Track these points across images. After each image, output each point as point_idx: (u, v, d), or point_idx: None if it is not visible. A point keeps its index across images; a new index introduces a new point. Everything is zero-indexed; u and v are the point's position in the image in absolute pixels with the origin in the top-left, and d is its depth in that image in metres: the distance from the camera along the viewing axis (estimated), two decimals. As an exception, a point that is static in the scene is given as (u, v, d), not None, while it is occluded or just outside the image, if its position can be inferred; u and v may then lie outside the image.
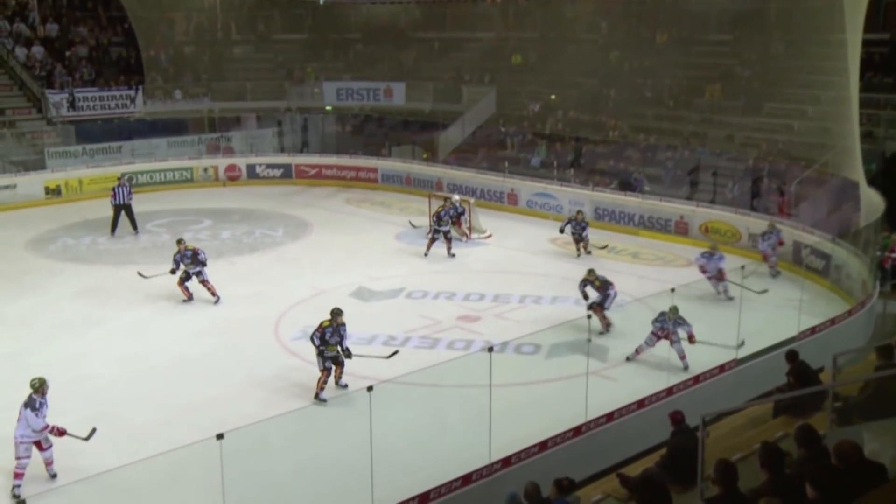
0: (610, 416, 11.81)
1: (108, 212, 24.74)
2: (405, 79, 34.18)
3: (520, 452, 10.92)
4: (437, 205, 23.35)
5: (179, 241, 18.20)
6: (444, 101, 33.14)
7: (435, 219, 21.50)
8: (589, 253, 21.11)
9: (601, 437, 11.52)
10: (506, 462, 10.75)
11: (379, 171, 30.46)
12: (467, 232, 23.02)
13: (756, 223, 21.22)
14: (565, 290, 18.47)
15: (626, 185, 25.14)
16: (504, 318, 16.98)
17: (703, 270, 17.78)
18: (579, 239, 21.24)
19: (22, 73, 32.10)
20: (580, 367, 12.60)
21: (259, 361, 14.97)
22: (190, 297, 17.93)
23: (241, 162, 31.40)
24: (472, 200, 23.96)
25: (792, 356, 11.37)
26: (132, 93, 32.81)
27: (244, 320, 17.04)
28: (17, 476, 10.98)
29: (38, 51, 32.96)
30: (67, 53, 33.56)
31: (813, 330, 14.42)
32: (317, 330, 13.23)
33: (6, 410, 13.22)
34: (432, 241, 21.38)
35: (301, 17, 37.97)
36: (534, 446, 10.99)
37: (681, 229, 22.75)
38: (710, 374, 13.18)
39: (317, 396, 13.12)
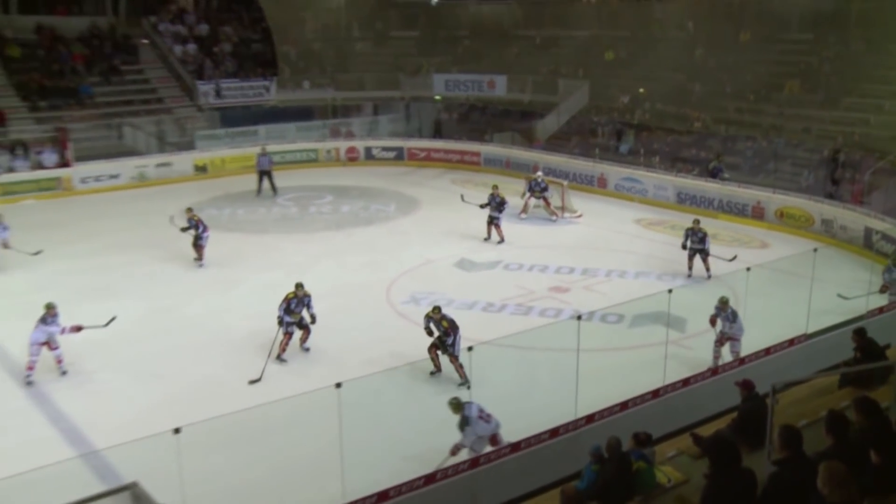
0: (686, 382, 11.64)
1: (246, 187, 25.59)
2: (507, 72, 33.97)
3: (602, 411, 10.86)
4: (523, 186, 23.32)
5: (189, 209, 19.10)
6: (541, 93, 32.83)
7: (493, 202, 20.37)
8: (709, 277, 17.02)
9: (677, 400, 11.36)
10: (589, 419, 10.72)
11: (481, 154, 30.45)
12: (557, 211, 22.86)
13: (829, 210, 20.46)
14: (649, 266, 18.25)
15: (707, 172, 24.54)
16: (591, 290, 16.92)
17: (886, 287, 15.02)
18: (698, 252, 17.27)
19: (178, 67, 33.28)
20: (660, 336, 12.49)
21: (373, 322, 15.27)
22: (201, 258, 18.80)
23: (360, 145, 31.81)
24: (565, 183, 23.76)
25: (860, 333, 10.98)
26: (267, 83, 33.59)
27: (360, 285, 17.37)
28: (29, 368, 12.83)
29: (191, 48, 34.05)
30: (215, 49, 34.56)
31: (881, 310, 13.87)
32: (283, 302, 13.56)
33: (166, 355, 13.96)
34: (490, 226, 20.50)
35: (415, 16, 38.13)
36: (615, 406, 10.92)
37: (757, 214, 22.09)
38: (781, 346, 12.83)
39: (279, 357, 13.46)
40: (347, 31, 37.84)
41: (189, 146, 30.22)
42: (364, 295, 16.77)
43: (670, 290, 12.10)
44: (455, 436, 10.10)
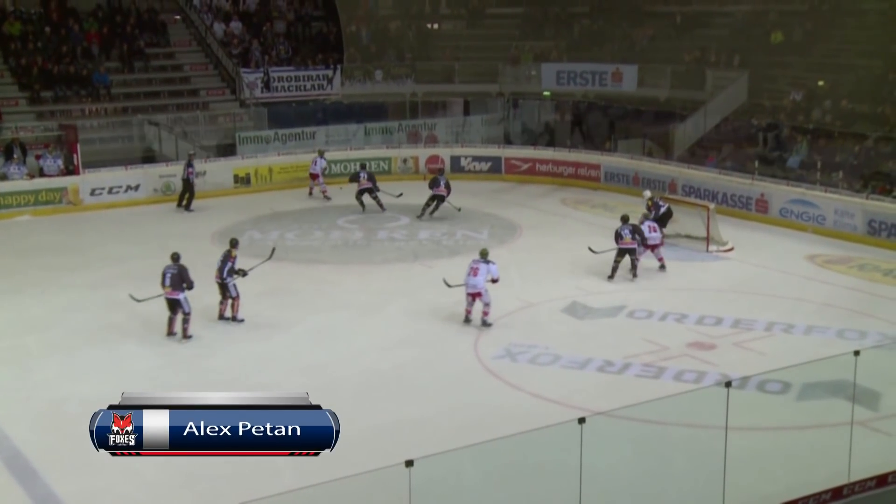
0: (882, 480, 11.20)
1: (299, 203, 25.96)
2: (638, 60, 33.83)
3: (760, 513, 10.58)
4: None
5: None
6: (683, 88, 32.49)
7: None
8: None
9: (867, 504, 10.97)
10: (742, 523, 10.43)
11: (602, 167, 30.21)
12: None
13: None
14: (826, 318, 17.65)
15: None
16: (745, 347, 16.49)
17: None
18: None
19: (217, 51, 34.25)
20: (842, 414, 11.95)
21: (455, 382, 15.19)
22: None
23: (445, 153, 31.98)
24: (711, 206, 23.32)
25: None
26: (329, 73, 34.27)
27: (440, 334, 17.34)
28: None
29: (235, 26, 35.11)
30: (264, 29, 35.42)
31: None
32: (228, 260, 17.55)
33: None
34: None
35: (519, -12, 38.39)
36: (779, 507, 10.60)
37: None
38: None
39: (235, 318, 17.69)
40: (432, 7, 38.36)
41: (229, 151, 30.99)
42: (446, 346, 16.78)
43: (857, 352, 11.67)
44: None
